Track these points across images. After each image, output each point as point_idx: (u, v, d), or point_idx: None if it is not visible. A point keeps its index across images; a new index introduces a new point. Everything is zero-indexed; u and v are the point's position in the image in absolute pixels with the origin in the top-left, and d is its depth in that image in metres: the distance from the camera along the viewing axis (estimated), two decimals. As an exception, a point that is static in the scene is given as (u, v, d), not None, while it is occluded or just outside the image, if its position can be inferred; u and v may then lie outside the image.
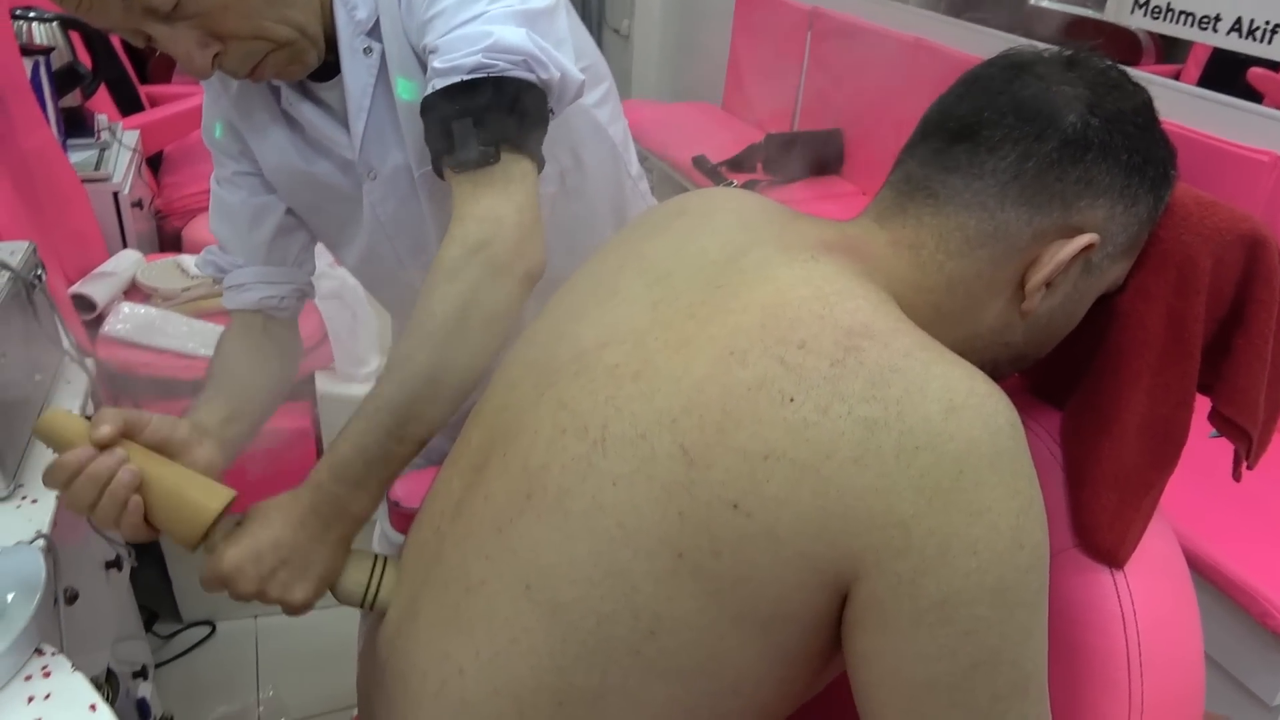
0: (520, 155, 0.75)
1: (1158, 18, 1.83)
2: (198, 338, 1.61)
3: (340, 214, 0.95)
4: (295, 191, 0.95)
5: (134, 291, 1.77)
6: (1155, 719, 0.66)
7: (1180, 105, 1.76)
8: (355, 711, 1.59)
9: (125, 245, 1.93)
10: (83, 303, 1.65)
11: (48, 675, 0.68)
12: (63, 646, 0.80)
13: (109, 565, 1.15)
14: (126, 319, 1.60)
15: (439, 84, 0.74)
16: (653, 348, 0.58)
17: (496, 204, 0.73)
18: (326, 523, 0.69)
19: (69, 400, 1.05)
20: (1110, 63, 0.63)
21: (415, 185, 0.89)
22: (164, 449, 0.70)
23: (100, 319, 1.64)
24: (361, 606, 0.71)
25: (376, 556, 0.72)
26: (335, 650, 1.52)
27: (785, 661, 0.56)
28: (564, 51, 0.78)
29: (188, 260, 1.82)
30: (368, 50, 0.83)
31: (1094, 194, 0.60)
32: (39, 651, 0.69)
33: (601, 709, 0.56)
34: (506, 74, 0.73)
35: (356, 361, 1.65)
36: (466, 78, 0.73)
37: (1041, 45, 0.65)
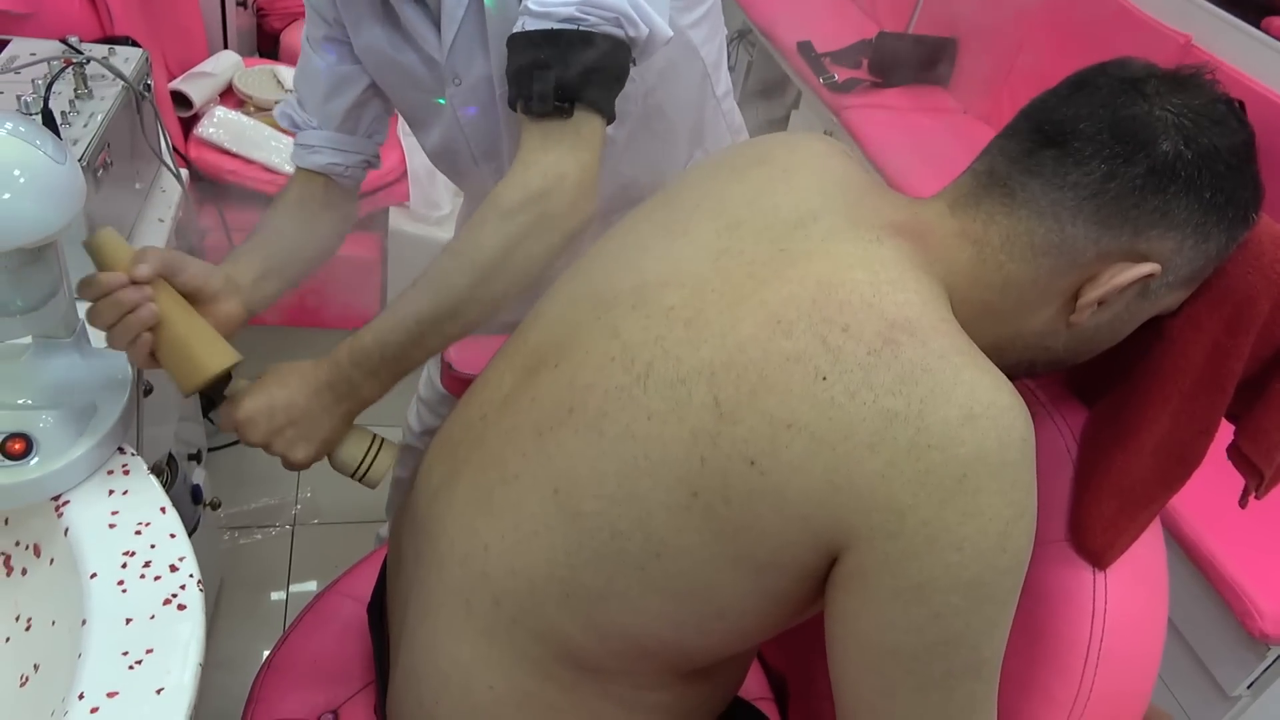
0: (592, 113, 0.77)
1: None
2: (285, 153, 1.66)
3: (421, 102, 0.97)
4: (380, 72, 0.96)
5: (229, 96, 1.81)
6: (1099, 708, 0.72)
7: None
8: (380, 528, 1.72)
9: (226, 45, 1.96)
10: (179, 99, 1.70)
11: (127, 473, 0.76)
12: (139, 441, 0.89)
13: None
14: (220, 124, 1.65)
15: (529, 25, 0.75)
16: (709, 298, 0.62)
17: (561, 159, 0.76)
18: (338, 398, 0.76)
19: (161, 209, 1.12)
20: (1221, 94, 0.63)
21: (497, 97, 0.91)
22: (195, 296, 0.76)
23: (195, 119, 1.69)
24: (352, 477, 0.79)
25: (374, 437, 0.79)
26: (372, 471, 1.64)
27: (771, 600, 0.62)
28: (659, 4, 0.78)
29: (284, 71, 1.85)
30: None
31: (1167, 225, 0.61)
32: (120, 450, 0.78)
33: (602, 608, 0.63)
34: (596, 29, 0.74)
35: (431, 204, 1.70)
36: (556, 26, 0.74)
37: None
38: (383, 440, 0.80)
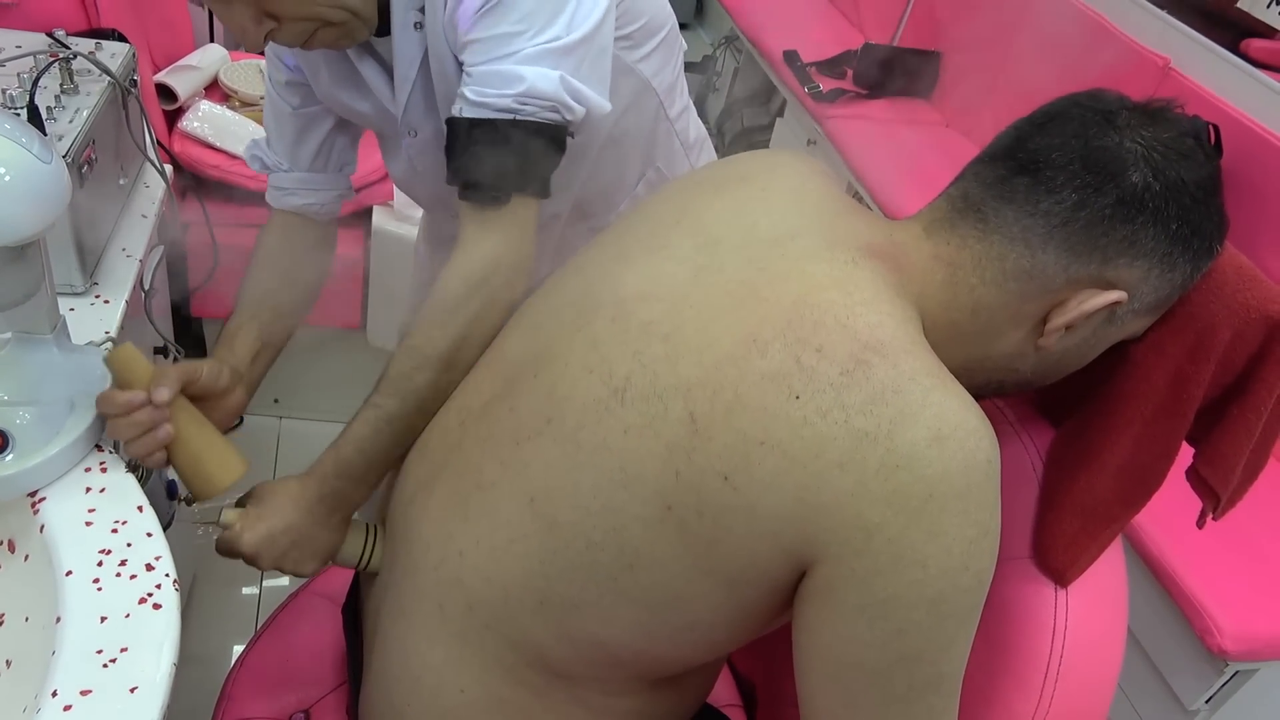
0: (527, 197, 0.80)
1: (1292, 18, 1.75)
2: (268, 149, 1.65)
3: (383, 138, 1.00)
4: (342, 112, 0.97)
5: (214, 90, 1.80)
6: (1056, 723, 0.73)
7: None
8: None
9: (212, 39, 1.95)
10: (164, 92, 1.69)
11: (104, 471, 0.76)
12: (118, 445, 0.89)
13: (157, 351, 1.25)
14: (205, 118, 1.64)
15: (466, 112, 0.77)
16: (687, 315, 0.63)
17: (497, 245, 0.79)
18: (330, 510, 0.79)
19: (145, 205, 1.11)
20: (1190, 127, 0.64)
21: None
22: (205, 397, 0.80)
23: (179, 112, 1.69)
24: (356, 569, 0.82)
25: (368, 527, 0.83)
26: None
27: (741, 612, 0.63)
28: (599, 75, 0.80)
29: (269, 66, 1.84)
30: (418, 25, 0.84)
31: (1134, 254, 0.63)
32: (98, 448, 0.78)
33: (575, 616, 0.64)
34: (533, 118, 0.76)
35: (414, 204, 1.70)
36: (493, 116, 0.76)
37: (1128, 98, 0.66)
38: (377, 529, 0.83)
